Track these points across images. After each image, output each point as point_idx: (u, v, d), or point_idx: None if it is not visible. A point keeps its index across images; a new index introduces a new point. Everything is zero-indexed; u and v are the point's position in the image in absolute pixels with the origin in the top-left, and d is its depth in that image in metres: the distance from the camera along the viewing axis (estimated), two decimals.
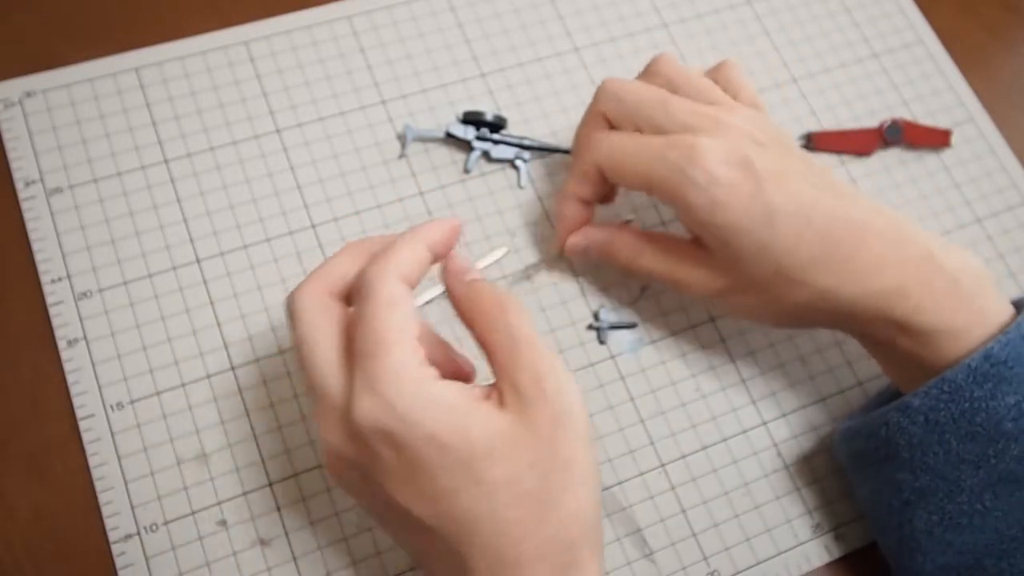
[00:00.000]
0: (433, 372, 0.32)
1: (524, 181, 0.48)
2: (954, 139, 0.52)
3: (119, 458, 0.40)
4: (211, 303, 0.43)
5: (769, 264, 0.38)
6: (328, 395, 0.32)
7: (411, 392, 0.31)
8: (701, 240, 0.40)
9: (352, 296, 0.34)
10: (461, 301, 0.35)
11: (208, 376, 0.42)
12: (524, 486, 0.31)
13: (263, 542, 0.39)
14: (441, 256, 0.35)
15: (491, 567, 0.31)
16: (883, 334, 0.38)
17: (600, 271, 0.46)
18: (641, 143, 0.39)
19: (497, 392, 0.32)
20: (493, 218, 0.47)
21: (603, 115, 0.41)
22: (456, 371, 0.36)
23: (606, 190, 0.43)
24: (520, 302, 0.34)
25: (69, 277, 0.43)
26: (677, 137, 0.38)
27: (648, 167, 0.39)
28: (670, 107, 0.39)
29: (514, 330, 0.33)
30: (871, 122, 0.52)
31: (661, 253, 0.42)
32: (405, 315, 0.32)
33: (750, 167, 0.37)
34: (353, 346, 0.32)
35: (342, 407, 0.32)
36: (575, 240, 0.44)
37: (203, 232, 0.44)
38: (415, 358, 0.31)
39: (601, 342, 0.45)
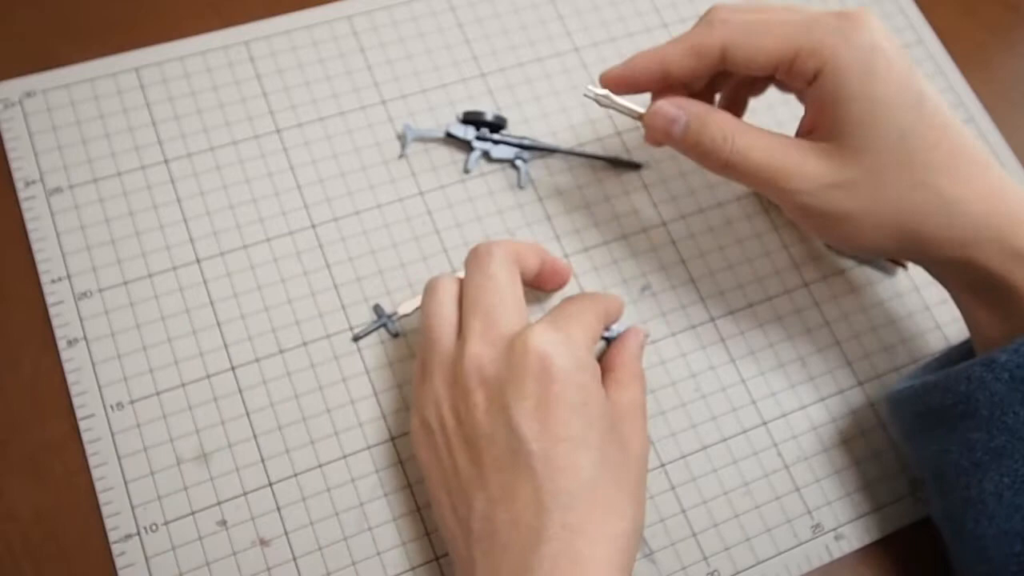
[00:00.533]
0: None
1: (524, 181, 0.48)
2: None
3: (119, 458, 0.40)
4: (211, 303, 0.43)
5: (902, 154, 0.36)
6: (500, 321, 0.37)
7: (587, 351, 0.37)
8: (821, 126, 0.38)
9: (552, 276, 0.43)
10: (626, 348, 0.42)
11: (208, 376, 0.42)
12: (622, 483, 0.35)
13: (263, 542, 0.39)
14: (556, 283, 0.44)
15: (568, 528, 0.33)
16: (994, 264, 0.36)
17: (600, 271, 0.46)
18: (787, 14, 0.38)
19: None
20: (493, 218, 0.47)
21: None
22: None
23: (704, 73, 0.40)
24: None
25: (69, 277, 0.43)
26: (830, 11, 0.37)
27: (798, 31, 0.37)
28: (803, 8, 0.38)
29: (640, 393, 0.40)
30: None
31: (763, 137, 0.39)
32: (600, 328, 0.39)
33: (905, 52, 0.37)
34: (553, 313, 0.38)
35: (514, 329, 0.37)
36: (664, 107, 0.40)
37: (203, 232, 0.44)
38: (596, 342, 0.38)
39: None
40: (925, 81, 0.37)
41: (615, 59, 0.51)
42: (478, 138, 0.47)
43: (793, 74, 0.38)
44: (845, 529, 0.43)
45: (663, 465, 0.43)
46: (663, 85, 0.40)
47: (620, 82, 0.41)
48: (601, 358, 0.41)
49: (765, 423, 0.44)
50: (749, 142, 0.38)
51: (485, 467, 0.35)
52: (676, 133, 0.40)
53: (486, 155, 0.48)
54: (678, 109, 0.39)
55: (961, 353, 0.41)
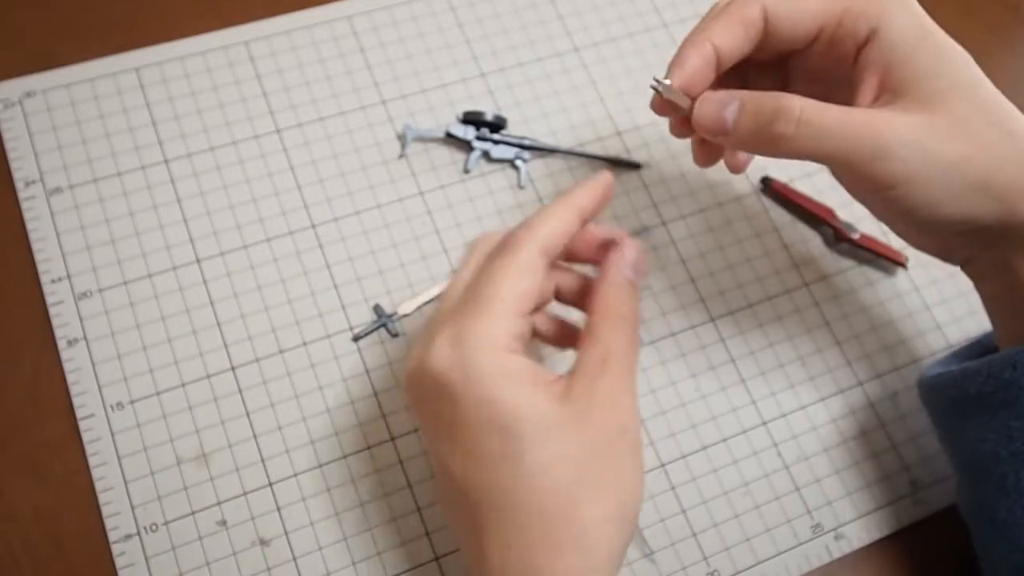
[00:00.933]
0: (517, 346, 0.33)
1: (524, 181, 0.48)
2: None
3: (119, 458, 0.40)
4: (211, 303, 0.43)
5: (980, 101, 0.35)
6: (429, 331, 0.34)
7: (487, 357, 0.32)
8: (886, 88, 0.35)
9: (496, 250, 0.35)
10: (603, 285, 0.35)
11: (208, 376, 0.42)
12: (557, 478, 0.31)
13: (263, 542, 0.39)
14: (589, 217, 0.35)
15: (504, 547, 0.31)
16: None
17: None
18: None
19: (569, 383, 0.33)
20: (493, 218, 0.47)
21: None
22: (567, 335, 0.37)
23: (747, 49, 0.37)
24: (637, 321, 0.35)
25: (69, 277, 0.43)
26: None
27: None
28: None
29: (623, 345, 0.33)
30: None
31: (832, 104, 0.34)
32: (525, 286, 0.33)
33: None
34: (466, 295, 0.34)
35: (425, 349, 0.33)
36: (715, 95, 0.36)
37: (203, 232, 0.44)
38: (507, 330, 0.32)
39: None
40: None
41: (615, 59, 0.51)
42: (478, 138, 0.47)
43: (839, 38, 0.36)
44: (845, 529, 0.43)
45: (663, 465, 0.43)
46: (714, 74, 0.37)
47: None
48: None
49: (765, 423, 0.44)
50: (819, 107, 0.34)
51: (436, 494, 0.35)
52: (730, 116, 0.35)
53: (486, 155, 0.48)
54: (731, 96, 0.36)
55: (995, 341, 0.41)
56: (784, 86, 0.40)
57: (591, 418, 0.32)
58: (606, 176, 0.36)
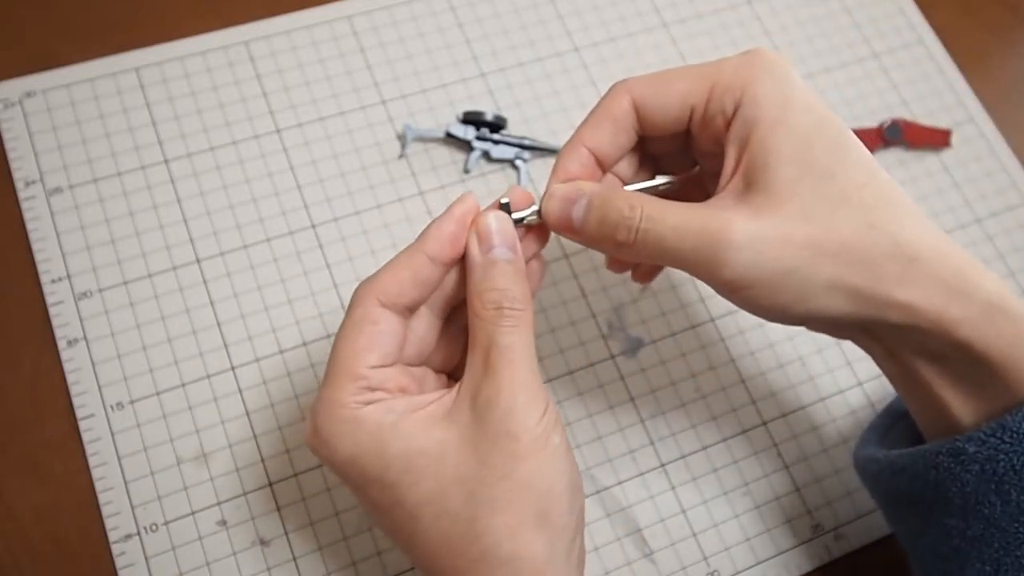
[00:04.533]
0: (370, 396, 0.32)
1: (524, 181, 0.48)
2: (954, 139, 0.52)
3: (119, 458, 0.40)
4: (211, 303, 0.43)
5: (835, 193, 0.32)
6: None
7: (339, 419, 0.31)
8: (740, 169, 0.33)
9: None
10: (472, 274, 0.33)
11: (208, 376, 0.42)
12: (448, 504, 0.30)
13: (263, 542, 0.39)
14: (449, 260, 0.33)
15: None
16: (965, 328, 0.31)
17: (600, 270, 0.46)
18: (689, 65, 0.35)
19: (455, 396, 0.32)
20: None
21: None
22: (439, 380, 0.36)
23: (627, 142, 0.36)
24: (529, 305, 0.32)
25: (69, 277, 0.43)
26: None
27: (708, 71, 0.34)
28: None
29: (500, 337, 0.31)
30: (871, 122, 0.52)
31: (678, 204, 0.33)
32: (362, 343, 0.32)
33: (810, 86, 0.34)
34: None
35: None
36: (561, 188, 0.34)
37: (203, 232, 0.44)
38: (348, 391, 0.31)
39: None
40: (838, 117, 0.34)
41: (615, 59, 0.51)
42: (478, 138, 0.47)
43: (711, 115, 0.34)
44: (845, 529, 0.43)
45: (663, 465, 0.43)
46: (601, 172, 0.37)
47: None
48: None
49: (765, 423, 0.44)
50: (663, 208, 0.33)
51: None
52: (577, 215, 0.34)
53: (486, 155, 0.48)
54: (577, 191, 0.34)
55: (903, 408, 0.40)
56: (694, 163, 0.39)
57: (480, 428, 0.31)
58: (464, 203, 0.34)
